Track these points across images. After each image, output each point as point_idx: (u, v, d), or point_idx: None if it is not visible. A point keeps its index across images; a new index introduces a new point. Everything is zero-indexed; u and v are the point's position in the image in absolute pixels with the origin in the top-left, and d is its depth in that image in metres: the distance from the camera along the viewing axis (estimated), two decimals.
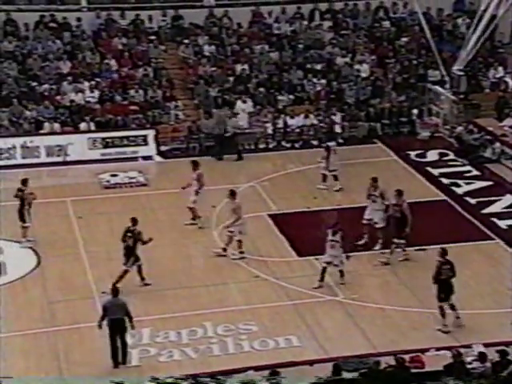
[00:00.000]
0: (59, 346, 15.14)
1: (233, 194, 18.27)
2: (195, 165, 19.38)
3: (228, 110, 24.58)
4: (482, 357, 13.52)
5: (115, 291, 14.78)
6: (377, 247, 18.25)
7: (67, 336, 15.39)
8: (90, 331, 15.19)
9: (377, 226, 18.26)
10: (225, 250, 18.08)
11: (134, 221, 16.98)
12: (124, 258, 16.80)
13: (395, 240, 17.68)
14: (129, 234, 16.78)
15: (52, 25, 26.76)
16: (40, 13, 26.79)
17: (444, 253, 15.70)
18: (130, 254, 16.78)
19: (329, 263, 16.82)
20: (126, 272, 16.74)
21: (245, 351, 15.03)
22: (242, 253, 18.09)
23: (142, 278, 16.99)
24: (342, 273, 16.93)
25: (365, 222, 18.39)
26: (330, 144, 22.01)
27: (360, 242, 18.29)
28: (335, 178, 21.50)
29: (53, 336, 15.42)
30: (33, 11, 26.93)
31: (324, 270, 16.82)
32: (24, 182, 18.72)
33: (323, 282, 16.82)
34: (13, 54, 25.89)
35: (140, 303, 16.28)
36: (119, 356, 14.59)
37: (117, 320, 14.48)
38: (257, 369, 13.84)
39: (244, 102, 24.98)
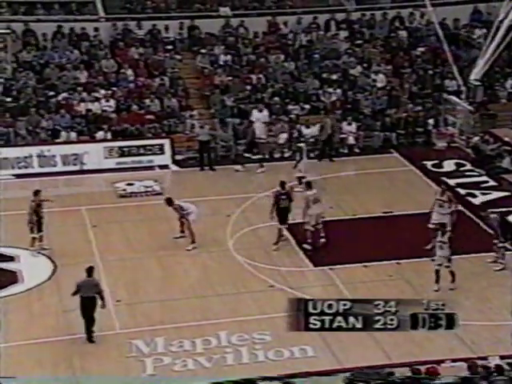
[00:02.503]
0: (74, 354, 15.16)
1: (308, 185, 19.08)
2: (169, 202, 18.86)
3: (328, 118, 24.67)
4: (498, 369, 13.39)
5: (89, 271, 15.44)
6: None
7: (82, 345, 15.41)
8: (104, 340, 15.23)
9: (446, 229, 18.06)
10: (309, 244, 18.74)
11: (283, 184, 18.71)
12: (278, 221, 18.51)
13: (504, 244, 17.82)
14: (283, 197, 18.41)
15: (70, 35, 26.98)
16: (58, 23, 27.00)
17: None
18: (287, 214, 18.45)
19: (440, 265, 17.02)
20: (281, 230, 18.57)
21: (259, 361, 15.01)
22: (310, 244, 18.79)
23: (276, 243, 18.61)
24: (452, 274, 17.04)
25: (432, 226, 18.26)
26: (301, 145, 22.41)
27: (428, 247, 18.11)
28: (299, 180, 21.42)
29: (68, 344, 15.45)
30: (51, 21, 27.13)
31: (437, 272, 17.05)
32: (35, 193, 18.71)
33: (439, 284, 17.03)
34: (31, 63, 26.10)
35: (154, 312, 16.32)
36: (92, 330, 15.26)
37: (88, 298, 15.20)
38: (271, 379, 13.78)
39: (260, 111, 25.02)
